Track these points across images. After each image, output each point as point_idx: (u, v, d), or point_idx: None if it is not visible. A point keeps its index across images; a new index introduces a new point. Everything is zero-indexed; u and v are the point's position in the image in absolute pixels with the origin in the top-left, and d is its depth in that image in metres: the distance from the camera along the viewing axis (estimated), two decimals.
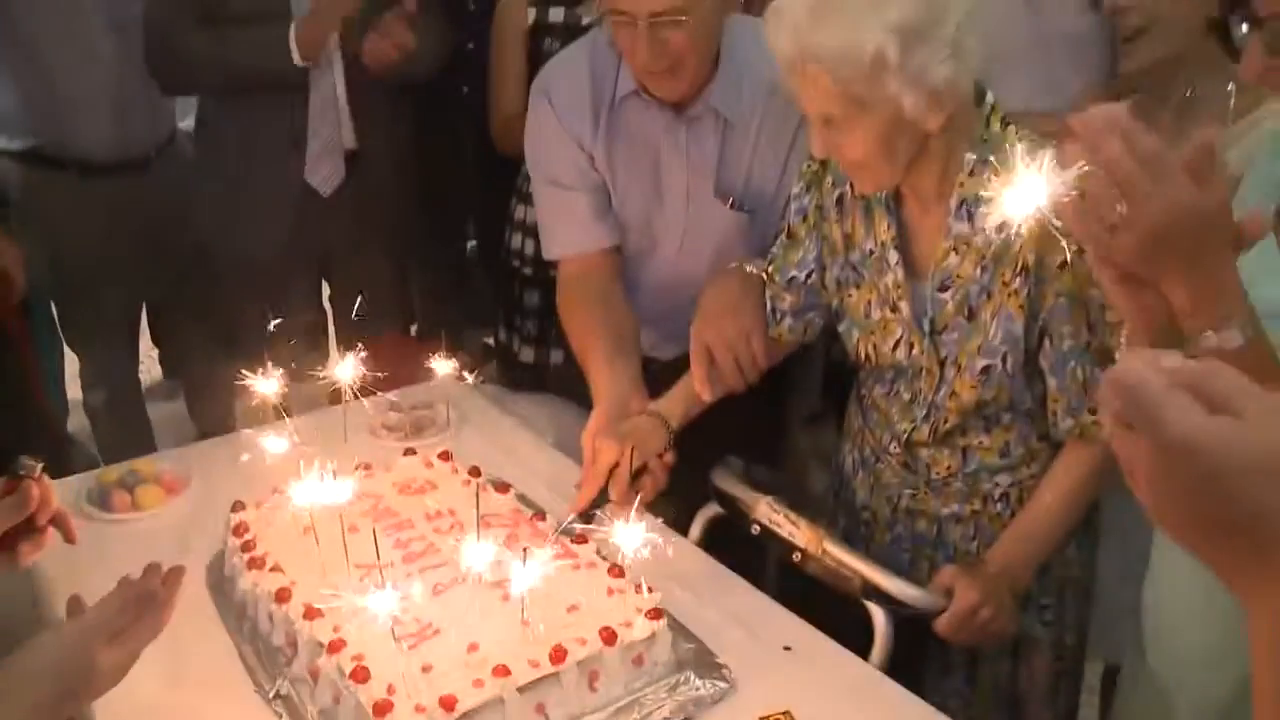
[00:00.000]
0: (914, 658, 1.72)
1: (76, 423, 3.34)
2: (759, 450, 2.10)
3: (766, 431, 2.34)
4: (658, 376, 2.08)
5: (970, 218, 1.57)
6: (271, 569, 1.49)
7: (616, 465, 1.74)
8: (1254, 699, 0.62)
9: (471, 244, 3.46)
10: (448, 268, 3.41)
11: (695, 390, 1.83)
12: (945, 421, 1.70)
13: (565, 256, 2.10)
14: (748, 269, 1.89)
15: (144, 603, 1.21)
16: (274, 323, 1.85)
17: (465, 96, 2.92)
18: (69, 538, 1.35)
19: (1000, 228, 1.47)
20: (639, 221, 2.10)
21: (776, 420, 2.42)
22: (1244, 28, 1.31)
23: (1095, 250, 1.10)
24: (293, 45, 2.56)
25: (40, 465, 1.29)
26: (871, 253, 1.71)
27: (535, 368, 2.77)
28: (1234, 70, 1.88)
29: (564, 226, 2.10)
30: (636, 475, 1.75)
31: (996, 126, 1.57)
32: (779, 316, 1.85)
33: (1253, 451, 0.60)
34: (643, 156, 2.04)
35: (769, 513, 1.72)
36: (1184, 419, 0.62)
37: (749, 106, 1.97)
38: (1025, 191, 0.99)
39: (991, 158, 1.53)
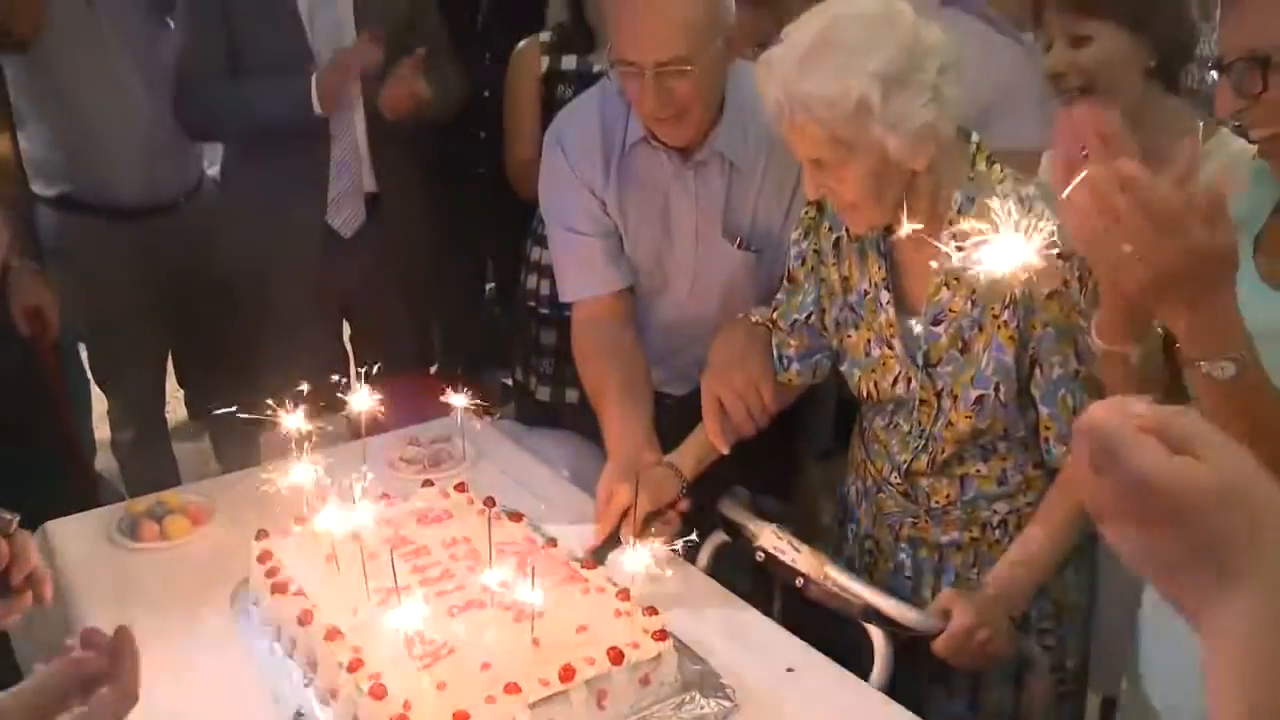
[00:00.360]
0: (918, 682, 1.76)
1: (103, 462, 3.43)
2: (770, 484, 2.16)
3: (777, 466, 2.40)
4: (670, 412, 2.15)
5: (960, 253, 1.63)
6: (294, 593, 1.56)
7: (629, 509, 1.80)
8: None
9: (490, 285, 3.54)
10: (467, 308, 3.49)
11: (708, 441, 1.91)
12: (943, 451, 1.76)
13: (579, 300, 2.17)
14: (753, 319, 1.96)
15: (91, 685, 0.97)
16: (296, 364, 1.91)
17: (483, 142, 3.00)
18: (39, 597, 1.24)
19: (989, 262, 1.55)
20: (650, 263, 2.17)
21: (787, 456, 2.48)
22: (1213, 74, 1.38)
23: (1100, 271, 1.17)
24: (313, 96, 2.66)
25: (15, 519, 1.20)
26: (866, 293, 1.78)
27: (551, 405, 2.82)
28: (1186, 111, 1.95)
29: (578, 271, 2.16)
30: (650, 520, 1.82)
31: (982, 165, 1.65)
32: (786, 362, 1.92)
33: (1210, 489, 0.66)
34: (653, 200, 2.11)
35: (773, 540, 1.78)
36: (1147, 460, 0.67)
37: (753, 150, 2.04)
38: (1007, 247, 1.06)
39: (978, 195, 1.61)
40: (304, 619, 1.50)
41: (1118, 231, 1.07)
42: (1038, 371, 1.65)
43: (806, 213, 1.87)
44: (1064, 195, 1.11)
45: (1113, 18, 1.88)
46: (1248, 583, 0.65)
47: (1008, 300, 1.62)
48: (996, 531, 1.79)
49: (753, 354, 1.91)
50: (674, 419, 2.09)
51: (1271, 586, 0.65)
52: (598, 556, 1.75)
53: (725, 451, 1.91)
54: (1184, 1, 2.02)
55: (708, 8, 1.86)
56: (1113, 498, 0.69)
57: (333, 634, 1.45)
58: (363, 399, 1.84)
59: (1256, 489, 0.66)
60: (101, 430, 3.42)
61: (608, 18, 1.94)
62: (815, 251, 1.86)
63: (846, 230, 1.78)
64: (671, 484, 1.88)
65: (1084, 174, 1.09)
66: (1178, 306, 1.14)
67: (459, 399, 1.97)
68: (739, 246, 2.10)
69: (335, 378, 1.87)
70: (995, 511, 1.79)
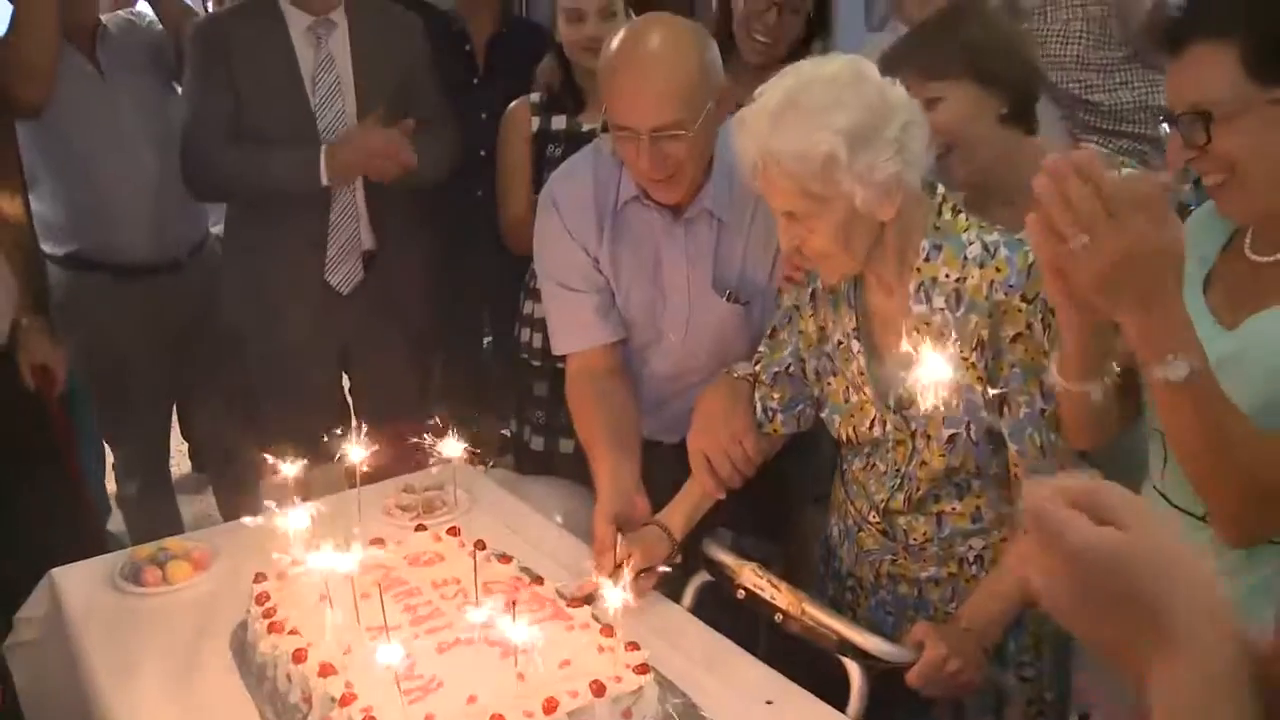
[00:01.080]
0: (898, 715, 1.81)
1: (117, 524, 3.50)
2: (761, 528, 2.23)
3: (768, 512, 2.45)
4: (663, 460, 2.21)
5: (928, 299, 1.72)
6: (290, 632, 1.62)
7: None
8: None
9: (488, 339, 3.61)
10: (464, 361, 3.56)
11: (696, 500, 1.99)
12: (918, 490, 1.82)
13: (572, 353, 2.24)
14: (735, 375, 2.03)
15: None
16: (297, 417, 1.97)
17: (480, 200, 3.07)
18: None
19: (955, 306, 1.65)
20: (644, 316, 2.23)
21: (781, 500, 2.53)
22: (1164, 127, 1.47)
23: (1052, 270, 1.26)
24: (322, 168, 2.75)
25: None
26: (840, 343, 1.86)
27: (545, 455, 2.88)
28: (1051, 147, 2.03)
29: (571, 326, 2.23)
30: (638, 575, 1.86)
31: (948, 215, 1.73)
32: (770, 414, 1.99)
33: (1136, 555, 0.73)
34: (645, 256, 2.18)
35: (753, 578, 1.84)
36: (1079, 534, 0.74)
37: (739, 205, 2.11)
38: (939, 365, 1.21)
39: (945, 243, 1.70)
40: (298, 656, 1.55)
41: (1072, 220, 1.17)
42: (1006, 411, 1.72)
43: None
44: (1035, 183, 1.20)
45: (955, 76, 1.93)
46: (1181, 644, 0.72)
47: (975, 343, 1.70)
48: (973, 567, 1.85)
49: (735, 410, 1.98)
50: (666, 466, 2.15)
51: (1203, 647, 0.72)
52: (587, 599, 1.80)
53: (721, 497, 1.99)
54: (1020, 45, 2.07)
55: (700, 73, 1.94)
56: (1054, 568, 0.76)
57: (326, 669, 1.51)
58: (358, 448, 1.91)
59: (1179, 555, 0.74)
60: (108, 483, 3.50)
61: (603, 83, 2.00)
62: (795, 305, 1.95)
63: (820, 282, 1.86)
64: (663, 544, 1.95)
65: (1047, 160, 1.18)
66: (1129, 303, 1.24)
67: (453, 449, 2.04)
68: (729, 299, 2.16)
69: (334, 430, 1.93)
70: (971, 547, 1.85)
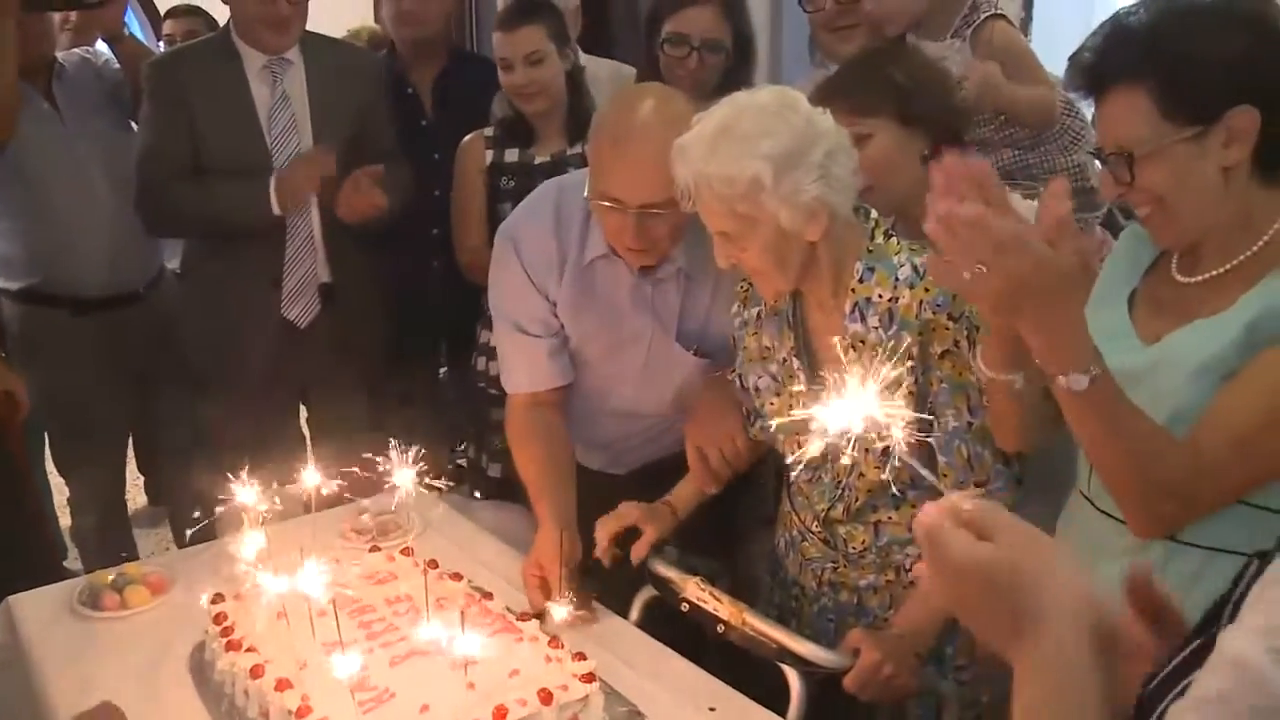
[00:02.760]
0: None
1: (73, 562, 3.50)
2: (708, 547, 2.29)
3: (715, 531, 2.51)
4: (605, 488, 2.27)
5: (863, 318, 1.81)
6: (247, 649, 1.66)
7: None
8: None
9: (444, 369, 3.66)
10: (422, 390, 3.59)
11: (696, 488, 2.11)
12: (857, 500, 1.90)
13: (520, 392, 2.28)
14: (730, 376, 2.11)
15: None
16: (254, 449, 2.01)
17: (435, 238, 3.12)
18: None
19: (888, 324, 1.74)
20: (600, 363, 2.26)
21: (728, 522, 2.59)
22: (1097, 163, 1.57)
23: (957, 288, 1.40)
24: (273, 198, 2.80)
25: None
26: (784, 361, 1.94)
27: (503, 481, 2.92)
28: None
29: (522, 367, 2.25)
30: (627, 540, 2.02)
31: (880, 239, 1.83)
32: (752, 418, 2.08)
33: (1002, 566, 0.89)
34: (607, 310, 2.20)
35: (697, 591, 1.90)
36: (959, 549, 0.90)
37: (706, 259, 2.02)
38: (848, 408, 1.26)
39: (878, 265, 1.80)
40: (256, 672, 1.60)
41: (967, 254, 1.28)
42: (935, 424, 1.80)
43: (740, 286, 2.04)
44: (926, 228, 1.30)
45: (882, 114, 2.01)
46: (1033, 639, 0.86)
47: (906, 360, 1.78)
48: (909, 574, 1.93)
49: (729, 409, 2.09)
50: (617, 496, 2.18)
51: (1056, 642, 0.86)
52: (538, 615, 1.86)
53: (715, 491, 2.11)
54: (946, 86, 2.15)
55: None
56: (942, 577, 0.91)
57: (282, 684, 1.56)
58: (313, 475, 1.95)
59: (1041, 567, 0.89)
60: (63, 518, 3.50)
61: (594, 153, 2.03)
62: (744, 322, 2.03)
63: (764, 302, 1.95)
64: (668, 519, 2.07)
65: (936, 210, 1.28)
66: (1029, 321, 1.34)
67: (406, 477, 2.07)
68: (694, 353, 2.21)
69: (292, 460, 1.98)
70: (908, 555, 1.92)
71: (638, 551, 2.01)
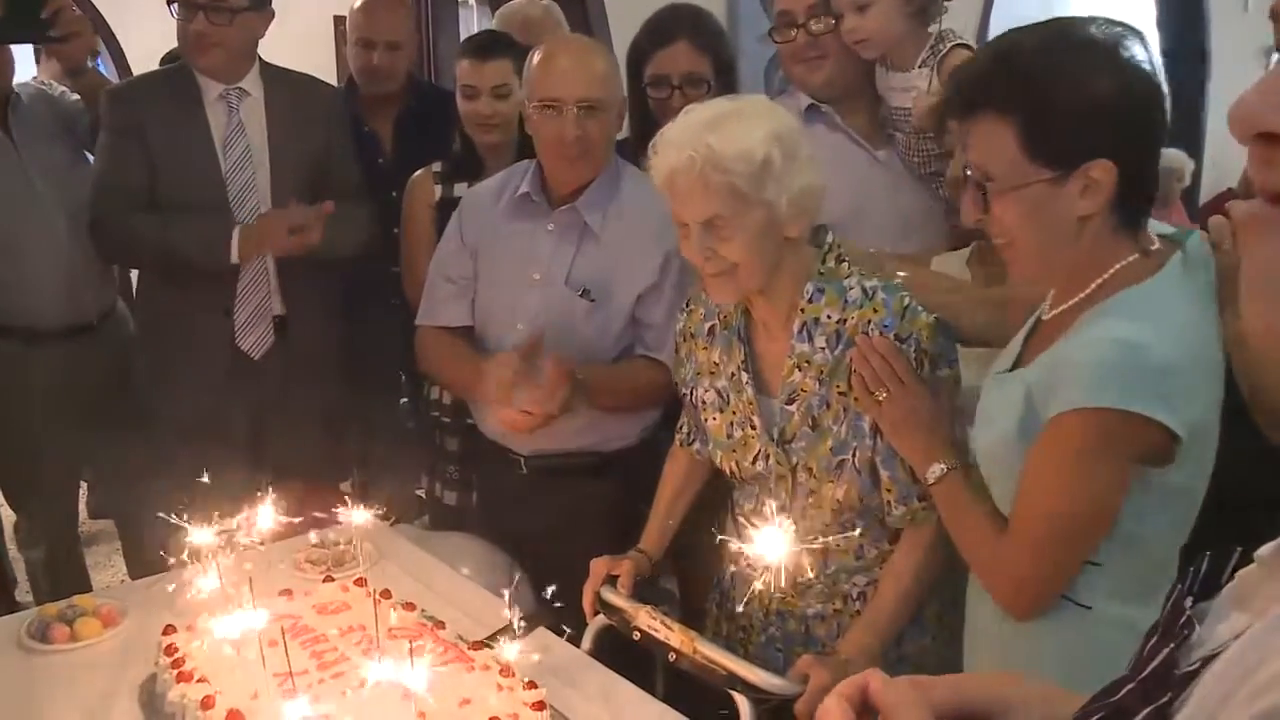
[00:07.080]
0: None
1: (23, 594, 3.46)
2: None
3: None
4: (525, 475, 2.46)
5: (810, 338, 1.86)
6: (198, 680, 1.66)
7: None
8: None
9: (404, 400, 3.66)
10: (380, 422, 3.60)
11: (662, 517, 2.18)
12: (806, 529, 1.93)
13: (431, 325, 2.58)
14: (682, 391, 2.17)
15: None
16: (208, 479, 2.01)
17: (393, 275, 3.11)
18: None
19: (835, 345, 1.81)
20: (502, 307, 2.49)
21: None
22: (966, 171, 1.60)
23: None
24: (234, 246, 2.81)
25: None
26: (733, 376, 1.98)
27: (458, 510, 2.94)
28: None
29: (438, 304, 2.57)
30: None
31: (832, 263, 1.89)
32: (691, 437, 2.15)
33: None
34: (515, 247, 2.47)
35: (648, 620, 1.92)
36: None
37: (608, 222, 2.41)
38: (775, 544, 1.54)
39: (828, 286, 1.86)
40: (207, 703, 1.60)
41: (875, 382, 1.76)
42: (879, 439, 1.85)
43: (687, 304, 2.10)
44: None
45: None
46: None
47: (849, 378, 1.83)
48: (856, 603, 1.96)
49: None
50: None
51: None
52: (490, 639, 1.87)
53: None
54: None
55: (614, 70, 2.42)
56: None
57: (234, 715, 1.56)
58: (269, 509, 1.96)
59: None
60: (13, 549, 3.47)
61: (535, 68, 2.35)
62: (692, 335, 2.08)
63: (720, 318, 2.00)
64: (641, 561, 2.11)
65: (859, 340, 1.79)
66: (906, 446, 1.79)
67: (358, 514, 2.09)
68: (581, 295, 2.41)
69: (247, 493, 1.98)
70: (855, 584, 1.96)
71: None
